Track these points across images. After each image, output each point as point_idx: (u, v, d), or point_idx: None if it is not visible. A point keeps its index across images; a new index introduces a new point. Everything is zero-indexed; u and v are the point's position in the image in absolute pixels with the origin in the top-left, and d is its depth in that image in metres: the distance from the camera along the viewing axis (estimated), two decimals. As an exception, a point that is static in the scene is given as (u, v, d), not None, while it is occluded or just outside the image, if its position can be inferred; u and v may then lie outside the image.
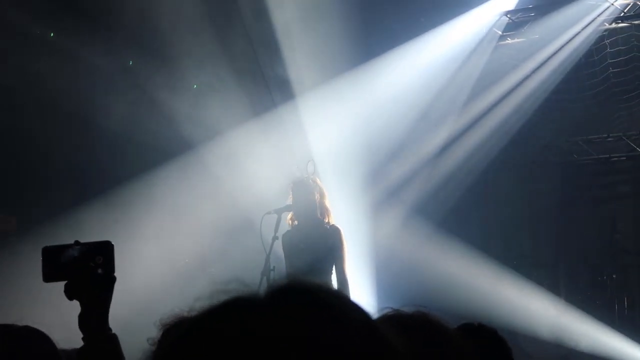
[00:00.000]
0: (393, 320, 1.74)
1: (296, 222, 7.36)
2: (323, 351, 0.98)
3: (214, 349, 0.99)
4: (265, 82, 10.23)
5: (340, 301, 1.09)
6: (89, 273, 2.40)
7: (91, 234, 7.34)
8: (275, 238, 7.06)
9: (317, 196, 7.25)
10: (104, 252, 2.44)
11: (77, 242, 2.46)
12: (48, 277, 2.43)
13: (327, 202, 7.35)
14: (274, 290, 1.08)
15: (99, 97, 9.43)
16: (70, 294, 2.39)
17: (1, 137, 9.02)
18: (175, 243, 9.51)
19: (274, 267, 6.76)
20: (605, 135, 12.20)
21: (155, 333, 1.89)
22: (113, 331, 2.41)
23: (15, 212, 9.44)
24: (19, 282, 6.95)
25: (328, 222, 7.25)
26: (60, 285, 2.41)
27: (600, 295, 12.00)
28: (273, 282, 1.10)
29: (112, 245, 2.46)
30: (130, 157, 9.59)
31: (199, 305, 1.08)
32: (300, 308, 1.04)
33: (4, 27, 8.69)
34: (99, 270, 2.41)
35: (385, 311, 1.80)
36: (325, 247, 7.05)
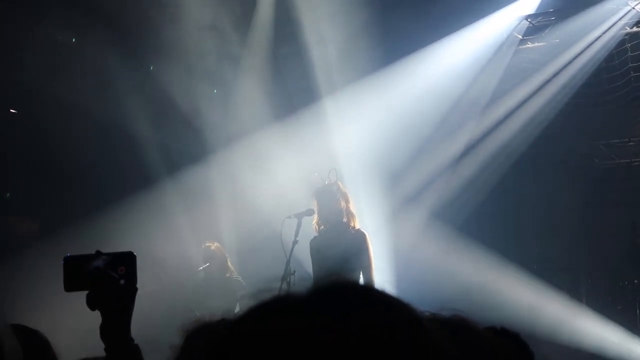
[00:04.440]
0: (432, 323, 1.76)
1: (322, 227, 7.38)
2: (375, 344, 0.98)
3: (265, 345, 0.99)
4: (286, 87, 10.25)
5: (388, 297, 1.09)
6: (111, 283, 2.41)
7: (113, 238, 7.42)
8: (295, 242, 7.08)
9: (342, 202, 7.27)
10: (126, 263, 2.46)
11: (99, 252, 2.47)
12: (70, 286, 2.44)
13: (352, 207, 7.38)
14: (316, 288, 1.08)
15: (121, 102, 9.48)
16: (92, 303, 2.39)
17: (25, 142, 9.08)
18: (195, 248, 9.54)
19: (294, 271, 6.79)
20: (627, 140, 12.15)
21: (176, 339, 1.89)
22: (135, 341, 2.41)
23: (39, 216, 9.50)
24: (41, 286, 6.98)
25: (353, 227, 7.27)
26: (83, 290, 2.42)
27: (621, 300, 11.95)
28: (320, 279, 1.10)
29: (135, 256, 2.47)
30: (153, 161, 9.63)
31: (244, 304, 1.08)
32: (348, 301, 1.04)
33: (30, 35, 8.75)
34: (122, 281, 2.42)
35: (423, 314, 1.82)
36: (352, 252, 7.07)
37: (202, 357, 1.06)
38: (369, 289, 1.09)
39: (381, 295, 1.09)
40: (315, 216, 7.37)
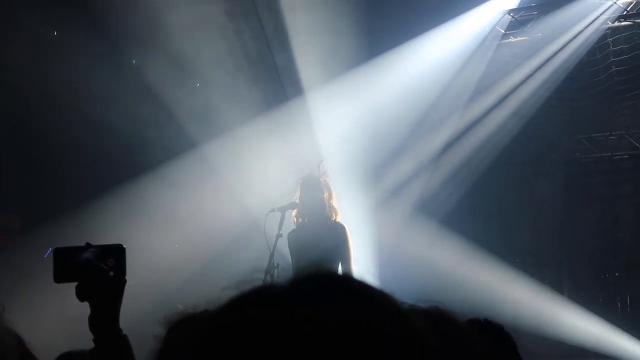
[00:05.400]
0: (413, 314, 1.78)
1: (301, 220, 7.38)
2: (355, 333, 0.98)
3: (245, 336, 0.99)
4: (277, 77, 10.24)
5: (368, 287, 1.09)
6: (100, 275, 2.44)
7: (97, 233, 7.39)
8: (279, 236, 7.08)
9: (325, 195, 7.27)
10: (115, 255, 2.49)
11: (89, 244, 2.50)
12: (59, 277, 2.47)
13: (335, 202, 7.37)
14: (295, 279, 1.08)
15: (104, 95, 9.46)
16: (81, 295, 2.42)
17: (7, 135, 9.04)
18: (180, 241, 9.54)
19: (277, 264, 6.79)
20: (608, 134, 12.23)
21: (159, 330, 1.90)
22: (124, 332, 2.44)
23: (21, 211, 9.47)
24: (25, 281, 6.97)
25: (333, 219, 7.27)
26: (69, 284, 2.45)
27: (603, 293, 12.04)
28: (301, 270, 1.10)
29: (124, 248, 2.51)
30: (137, 155, 9.61)
31: (226, 295, 1.07)
32: (329, 292, 1.04)
33: (13, 28, 8.72)
34: (111, 273, 2.45)
35: (403, 305, 1.83)
36: (331, 244, 7.05)
37: (183, 348, 1.05)
38: (349, 279, 1.09)
39: (361, 285, 1.08)
40: (295, 209, 7.37)
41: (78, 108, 9.12)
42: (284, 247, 7.37)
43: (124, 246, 2.51)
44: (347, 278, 1.10)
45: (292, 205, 7.33)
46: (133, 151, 9.61)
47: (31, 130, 9.07)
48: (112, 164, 9.64)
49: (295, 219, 7.39)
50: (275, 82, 10.36)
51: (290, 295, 1.05)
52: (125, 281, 2.48)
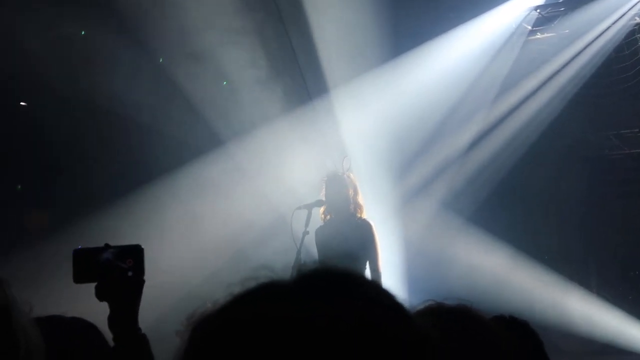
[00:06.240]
0: (436, 312, 1.79)
1: (328, 217, 7.38)
2: (351, 332, 0.98)
3: (242, 335, 0.99)
4: (301, 76, 10.24)
5: (369, 285, 1.09)
6: (119, 275, 2.47)
7: (121, 230, 7.44)
8: (305, 233, 7.08)
9: (350, 191, 7.27)
10: (134, 255, 2.53)
11: (107, 245, 2.54)
12: (79, 278, 2.52)
13: (360, 199, 7.36)
14: (302, 275, 1.09)
15: (131, 93, 9.49)
16: (100, 295, 2.47)
17: (34, 133, 9.11)
18: (205, 239, 9.56)
19: (304, 262, 6.79)
20: (637, 130, 12.12)
21: (183, 328, 1.91)
22: (143, 331, 2.47)
23: (48, 208, 9.54)
24: (50, 278, 7.02)
25: (360, 217, 7.27)
26: (92, 284, 2.49)
27: (632, 290, 11.96)
28: (301, 267, 1.11)
29: (142, 249, 2.55)
30: (163, 153, 9.65)
31: (232, 291, 1.08)
32: (327, 290, 1.04)
33: (37, 26, 8.78)
34: (129, 273, 2.49)
35: (427, 303, 1.85)
36: (357, 241, 7.05)
37: (198, 345, 1.06)
38: (352, 277, 1.09)
39: (364, 284, 1.09)
40: (323, 206, 7.37)
41: (106, 107, 9.17)
42: (311, 245, 7.39)
43: (142, 247, 2.55)
44: (349, 276, 1.10)
45: (318, 203, 7.33)
46: (160, 150, 9.65)
47: (56, 126, 9.12)
48: (139, 163, 9.68)
49: (322, 215, 7.40)
50: (299, 80, 10.36)
51: (298, 290, 1.05)
52: (143, 281, 2.51)
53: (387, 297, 1.09)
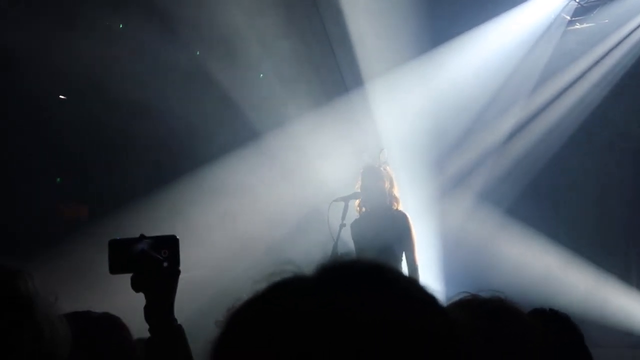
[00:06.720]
0: (470, 304, 1.77)
1: (364, 210, 7.37)
2: (371, 326, 0.97)
3: (263, 330, 0.99)
4: (337, 68, 10.23)
5: (397, 277, 1.08)
6: (154, 266, 2.48)
7: (159, 223, 7.48)
8: (342, 225, 7.09)
9: (386, 184, 7.25)
10: (169, 246, 2.53)
11: (143, 236, 2.54)
12: (115, 269, 2.52)
13: (396, 191, 7.35)
14: (324, 269, 1.08)
15: (168, 87, 9.54)
16: (136, 286, 2.47)
17: (74, 126, 9.18)
18: (241, 233, 9.59)
19: (341, 254, 6.79)
20: (679, 121, 11.96)
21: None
22: (179, 322, 2.47)
23: (87, 201, 9.62)
24: (89, 270, 7.07)
25: (396, 209, 7.25)
26: (127, 275, 2.50)
27: (673, 284, 11.80)
28: (323, 261, 1.10)
29: (177, 239, 2.54)
30: (197, 147, 9.69)
31: (257, 287, 1.08)
32: (351, 283, 1.03)
33: (76, 20, 8.84)
34: (165, 264, 2.49)
35: (462, 295, 1.83)
36: (393, 233, 7.03)
37: (216, 340, 1.07)
38: (378, 267, 1.08)
39: (393, 278, 1.07)
40: (358, 199, 7.36)
41: (141, 99, 9.22)
42: (347, 237, 7.39)
43: (177, 237, 2.54)
44: (377, 266, 1.08)
45: (354, 195, 7.33)
46: (194, 143, 9.69)
47: (96, 121, 9.19)
48: (174, 157, 9.74)
49: (358, 208, 7.39)
50: (335, 72, 10.36)
51: (320, 285, 1.04)
52: (179, 272, 2.51)
53: (416, 290, 1.07)
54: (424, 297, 1.07)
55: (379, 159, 7.58)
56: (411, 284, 1.08)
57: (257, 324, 1.01)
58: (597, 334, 9.88)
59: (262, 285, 1.08)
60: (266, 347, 0.98)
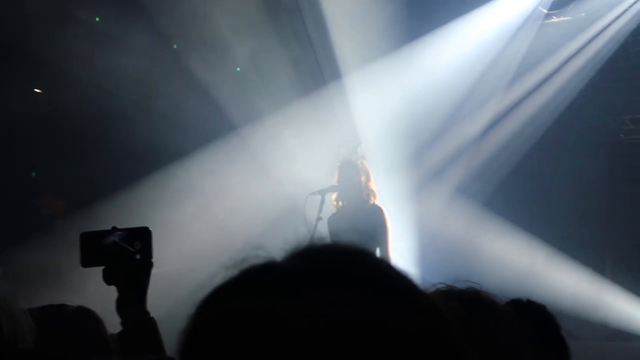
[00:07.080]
0: (445, 296, 1.76)
1: (341, 204, 7.36)
2: (352, 329, 0.88)
3: (226, 326, 0.93)
4: (315, 61, 10.21)
5: (377, 266, 0.99)
6: (127, 258, 2.45)
7: (135, 217, 7.44)
8: (319, 219, 7.08)
9: (363, 178, 7.24)
10: (142, 238, 2.49)
11: (115, 228, 2.50)
12: (86, 262, 2.49)
13: (373, 185, 7.34)
14: (296, 255, 1.00)
15: (144, 79, 9.49)
16: (108, 279, 2.45)
17: (49, 120, 9.12)
18: (219, 227, 9.56)
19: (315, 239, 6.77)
20: (654, 114, 12.04)
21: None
22: (155, 317, 2.46)
23: (63, 195, 9.56)
24: (65, 265, 7.02)
25: (372, 203, 7.24)
26: (99, 266, 2.47)
27: (648, 276, 11.89)
28: (296, 247, 1.02)
29: (150, 231, 2.51)
30: (175, 139, 9.65)
31: (227, 275, 1.02)
32: (322, 276, 0.95)
33: (51, 10, 8.78)
34: (137, 256, 2.46)
35: (437, 287, 1.81)
36: (368, 227, 7.02)
37: (187, 341, 1.00)
38: (359, 256, 1.00)
39: (370, 266, 0.99)
40: (335, 192, 7.35)
41: (117, 91, 9.17)
42: (324, 231, 7.37)
43: (150, 229, 2.51)
44: (353, 253, 1.01)
45: (332, 188, 7.31)
46: (172, 136, 9.64)
47: (72, 114, 9.12)
48: (151, 150, 9.68)
49: (335, 202, 7.38)
50: (313, 65, 10.34)
51: (279, 278, 0.96)
52: (152, 264, 2.48)
53: (399, 281, 0.98)
54: (410, 288, 0.98)
55: (356, 153, 7.58)
56: (390, 271, 0.99)
57: (223, 324, 0.94)
58: (573, 327, 9.95)
59: (233, 272, 1.01)
60: (232, 348, 0.91)
